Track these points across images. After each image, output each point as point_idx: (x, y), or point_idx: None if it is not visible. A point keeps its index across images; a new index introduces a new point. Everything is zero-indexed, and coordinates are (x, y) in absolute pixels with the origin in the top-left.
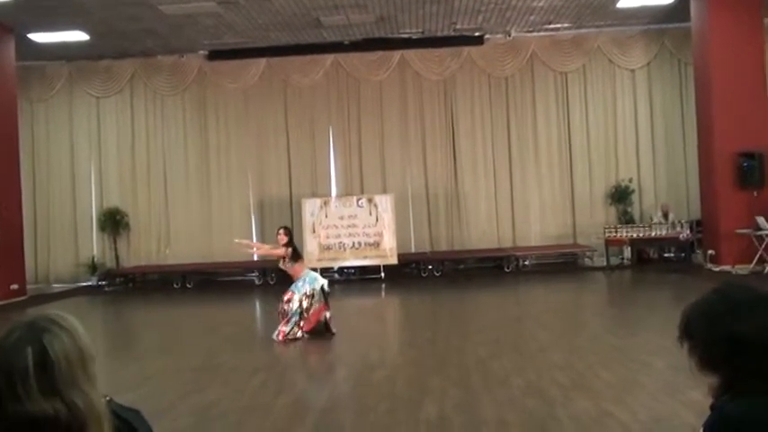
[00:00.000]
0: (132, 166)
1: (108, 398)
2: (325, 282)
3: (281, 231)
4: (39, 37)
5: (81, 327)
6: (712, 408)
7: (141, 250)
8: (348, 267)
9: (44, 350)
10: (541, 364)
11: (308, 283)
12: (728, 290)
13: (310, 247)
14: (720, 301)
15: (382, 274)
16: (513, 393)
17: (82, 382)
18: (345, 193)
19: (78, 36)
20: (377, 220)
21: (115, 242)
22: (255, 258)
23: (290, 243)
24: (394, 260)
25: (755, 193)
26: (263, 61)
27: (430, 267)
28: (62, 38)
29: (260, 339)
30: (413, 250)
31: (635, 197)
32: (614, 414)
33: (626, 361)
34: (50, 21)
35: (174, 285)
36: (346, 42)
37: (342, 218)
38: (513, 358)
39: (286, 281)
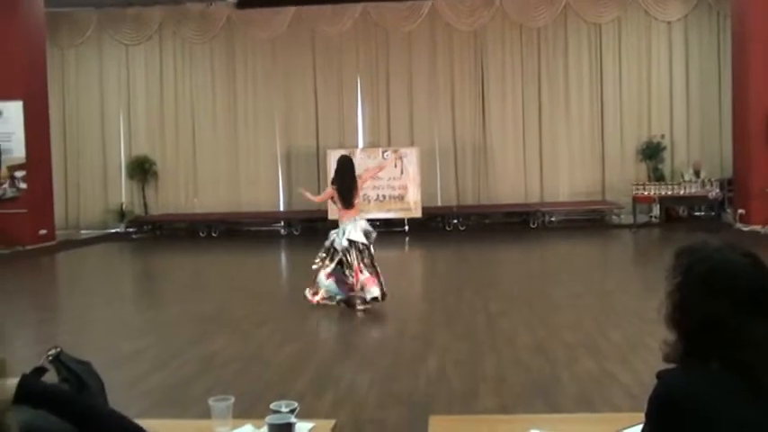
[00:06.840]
0: (161, 115)
1: (58, 349)
2: (343, 239)
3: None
4: None
5: None
6: (659, 376)
7: (169, 198)
8: (372, 220)
9: None
10: (551, 323)
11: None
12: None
13: None
14: (747, 270)
15: (406, 228)
16: (517, 351)
17: None
18: (372, 144)
19: None
20: (402, 172)
21: (143, 190)
22: (282, 209)
23: (333, 182)
24: (418, 214)
25: None
26: (291, 10)
27: (455, 222)
28: None
29: (275, 290)
30: (439, 204)
31: (666, 154)
32: (617, 375)
33: (637, 321)
34: None
35: (200, 234)
36: None
37: (367, 170)
38: (523, 315)
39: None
